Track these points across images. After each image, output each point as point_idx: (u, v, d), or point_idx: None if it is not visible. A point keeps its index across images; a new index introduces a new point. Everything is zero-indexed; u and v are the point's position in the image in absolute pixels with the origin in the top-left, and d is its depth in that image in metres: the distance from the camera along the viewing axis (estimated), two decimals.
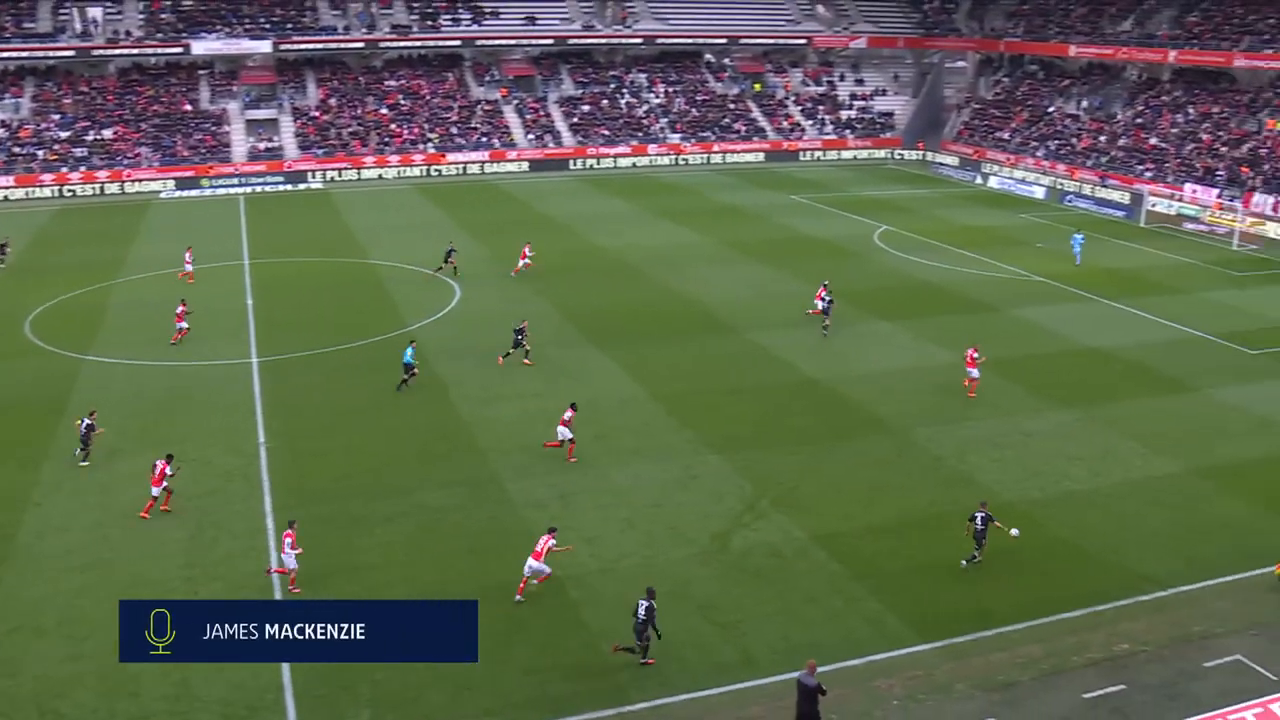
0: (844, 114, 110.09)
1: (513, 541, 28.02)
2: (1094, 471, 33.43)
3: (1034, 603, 26.11)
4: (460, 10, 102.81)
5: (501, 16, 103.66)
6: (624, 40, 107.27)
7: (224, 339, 44.85)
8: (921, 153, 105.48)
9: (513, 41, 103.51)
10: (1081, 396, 39.55)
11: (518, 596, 25.98)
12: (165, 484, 29.64)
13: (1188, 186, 79.48)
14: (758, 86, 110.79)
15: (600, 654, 24.03)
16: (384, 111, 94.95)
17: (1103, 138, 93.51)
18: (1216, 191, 76.97)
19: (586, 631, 24.94)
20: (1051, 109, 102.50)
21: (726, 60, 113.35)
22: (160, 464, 29.83)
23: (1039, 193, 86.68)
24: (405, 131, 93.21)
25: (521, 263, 55.84)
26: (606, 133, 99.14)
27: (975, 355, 39.62)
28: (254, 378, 40.29)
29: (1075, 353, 44.66)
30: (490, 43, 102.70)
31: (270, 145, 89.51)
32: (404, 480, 31.95)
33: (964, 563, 27.72)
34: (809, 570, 27.49)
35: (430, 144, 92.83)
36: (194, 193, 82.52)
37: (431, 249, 60.13)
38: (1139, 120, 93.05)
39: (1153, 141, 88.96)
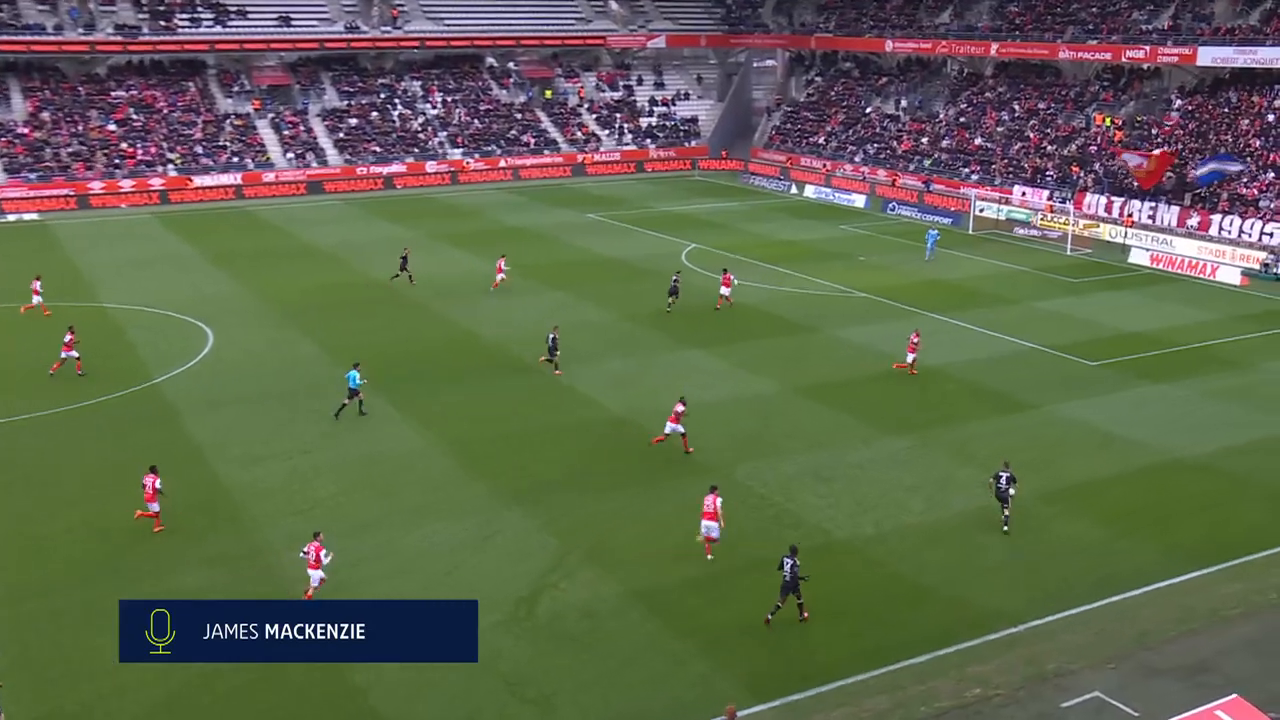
0: (644, 122, 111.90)
1: None
2: (932, 502, 34.38)
3: (876, 650, 26.61)
4: (200, 9, 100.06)
5: (250, 16, 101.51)
6: (394, 44, 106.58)
7: None
8: (730, 161, 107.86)
9: (264, 46, 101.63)
10: (914, 421, 40.80)
11: (708, 556, 30.31)
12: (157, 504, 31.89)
13: (1016, 189, 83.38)
14: (547, 93, 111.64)
15: None
16: (112, 128, 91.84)
17: (924, 139, 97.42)
18: (1047, 193, 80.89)
19: (376, 718, 24.34)
20: (869, 110, 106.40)
21: (511, 65, 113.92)
22: (150, 479, 31.83)
23: (859, 201, 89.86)
24: (140, 151, 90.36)
25: (499, 276, 58.84)
26: (378, 149, 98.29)
27: (916, 340, 45.33)
28: None
29: (902, 373, 46.07)
30: (237, 48, 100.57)
31: None
32: (153, 562, 30.59)
33: (1005, 527, 32.02)
34: (627, 631, 27.45)
35: (171, 165, 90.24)
36: None
37: (179, 286, 58.37)
38: (962, 119, 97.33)
39: (977, 141, 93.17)
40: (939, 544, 31.65)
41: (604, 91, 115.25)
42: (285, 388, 44.09)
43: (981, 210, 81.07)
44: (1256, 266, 66.77)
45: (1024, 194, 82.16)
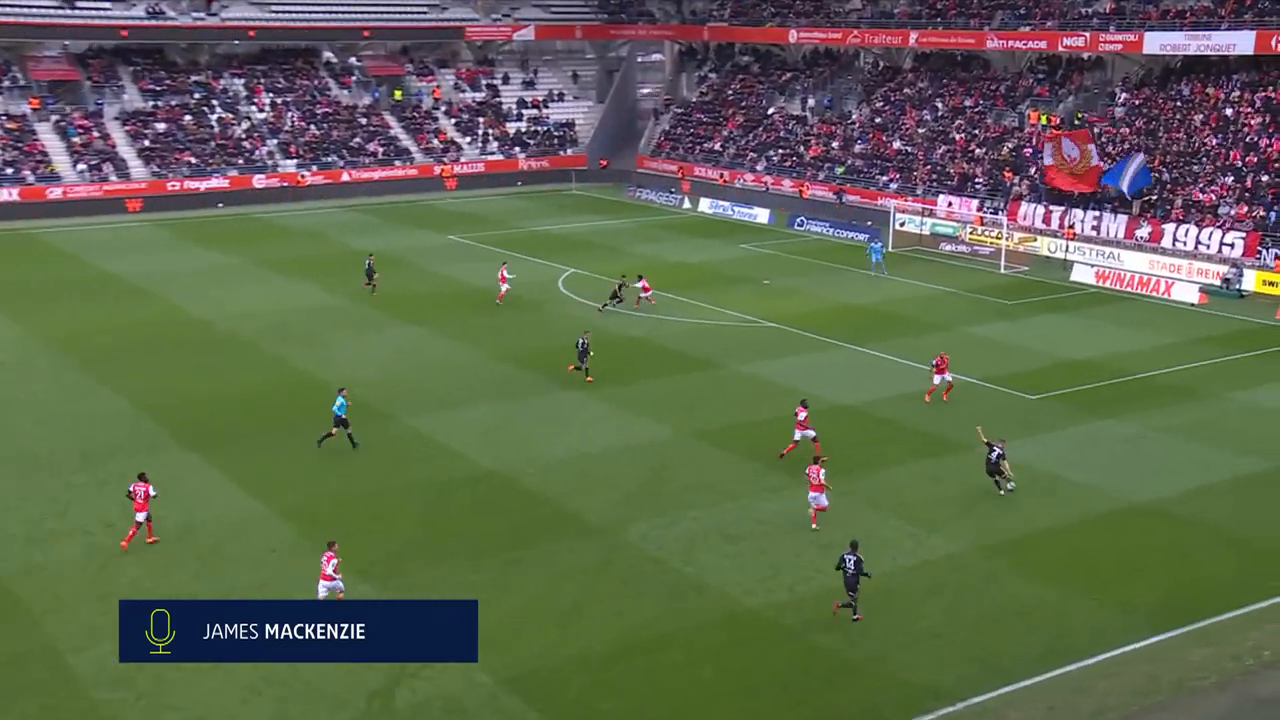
0: (511, 127, 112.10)
1: None
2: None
3: None
4: None
5: None
6: (210, 33, 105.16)
7: None
8: (613, 172, 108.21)
9: (43, 25, 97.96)
10: (831, 467, 40.83)
11: (814, 525, 35.72)
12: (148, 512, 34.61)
13: (941, 199, 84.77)
14: (396, 94, 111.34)
15: None
16: None
17: (835, 144, 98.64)
18: (976, 203, 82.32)
19: None
20: (772, 110, 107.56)
21: (353, 60, 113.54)
22: (140, 487, 34.57)
23: (762, 216, 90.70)
24: None
25: (503, 287, 62.29)
26: (193, 160, 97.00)
27: (941, 363, 47.37)
28: None
29: (818, 413, 46.40)
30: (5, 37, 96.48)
31: None
32: None
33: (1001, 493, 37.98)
34: None
35: None
36: None
37: None
38: (878, 120, 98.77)
39: (896, 145, 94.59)
40: (864, 609, 31.64)
41: (464, 92, 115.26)
42: (82, 447, 43.08)
43: (902, 224, 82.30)
44: (1216, 282, 68.42)
45: (950, 205, 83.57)
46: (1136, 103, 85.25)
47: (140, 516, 34.94)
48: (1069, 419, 46.28)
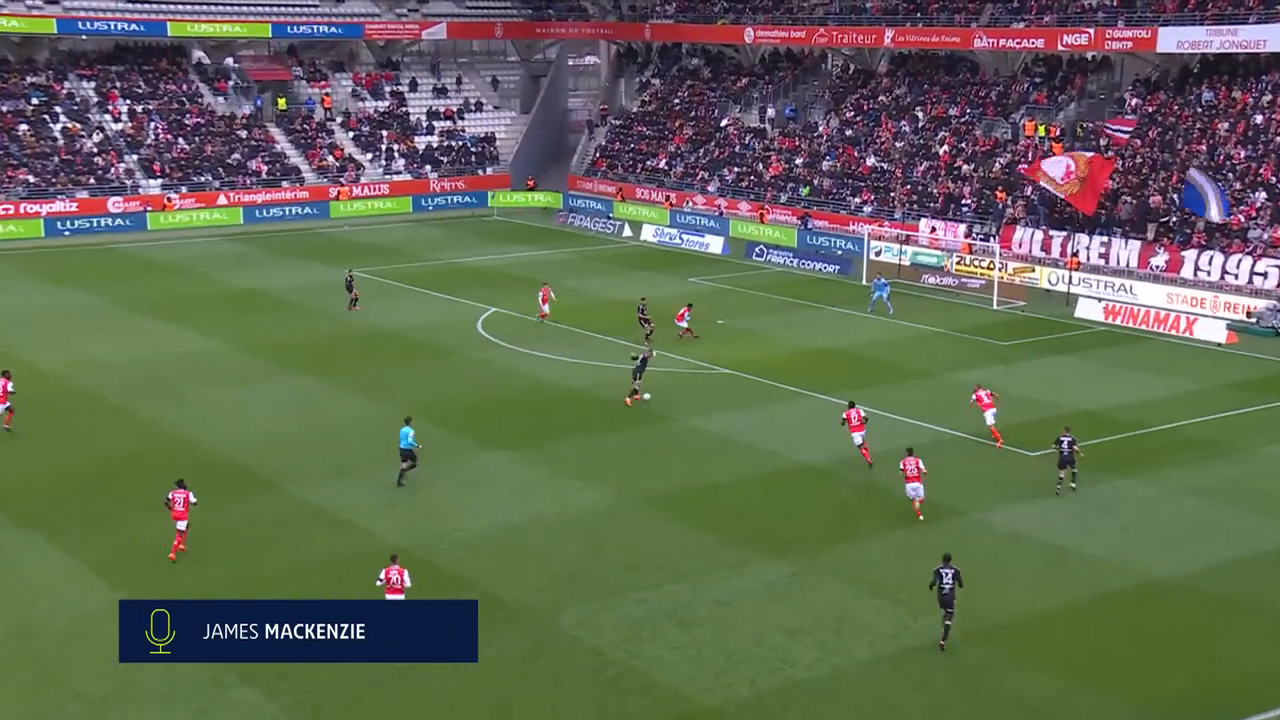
0: (421, 142, 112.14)
1: None
2: (825, 648, 34.17)
3: None
4: None
5: None
6: (46, 25, 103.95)
7: None
8: (541, 194, 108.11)
9: None
10: (799, 539, 40.86)
11: (920, 516, 41.83)
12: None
13: (924, 223, 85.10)
14: (281, 102, 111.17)
15: None
16: None
17: (800, 160, 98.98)
18: (964, 228, 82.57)
19: None
20: (725, 122, 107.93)
21: (230, 61, 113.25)
22: (179, 494, 38.93)
23: (714, 245, 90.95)
24: None
25: (544, 308, 67.28)
26: (31, 179, 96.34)
27: (985, 396, 49.45)
28: None
29: (782, 474, 46.61)
30: None
31: None
32: None
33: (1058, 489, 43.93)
34: None
35: None
36: None
37: None
38: (849, 133, 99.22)
39: (870, 162, 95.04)
40: (838, 704, 31.49)
41: (364, 100, 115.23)
42: None
43: (878, 253, 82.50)
44: (1246, 318, 68.65)
45: (934, 230, 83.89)
46: (1150, 109, 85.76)
47: (181, 525, 38.84)
48: (1076, 480, 45.71)
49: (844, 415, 46.54)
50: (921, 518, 41.22)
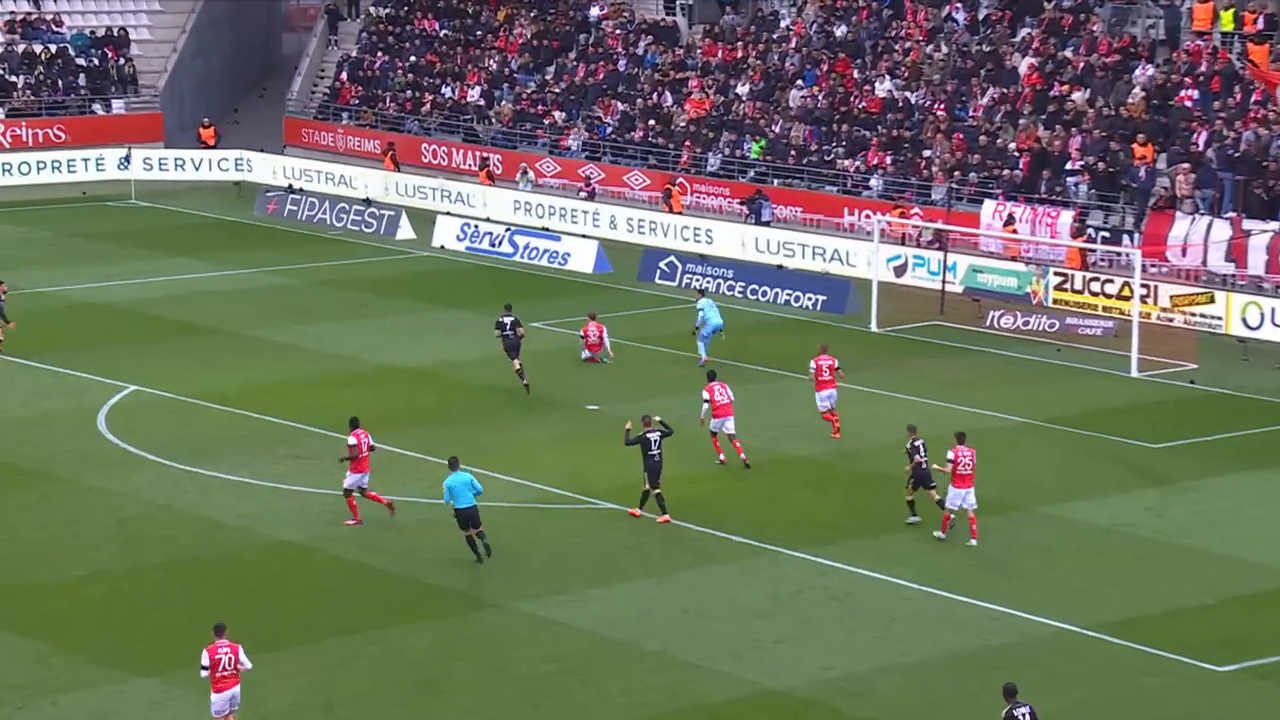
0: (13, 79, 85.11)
1: None
2: None
3: None
4: None
5: None
6: None
7: None
8: (226, 149, 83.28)
9: None
10: None
11: (974, 539, 37.12)
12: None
13: (987, 208, 63.23)
14: None
15: None
16: None
17: (743, 88, 75.42)
18: (1071, 216, 60.25)
19: None
20: (596, 10, 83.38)
21: None
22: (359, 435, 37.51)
23: (581, 258, 66.78)
24: None
25: (607, 343, 53.49)
26: None
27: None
28: None
29: (724, 706, 31.34)
30: None
31: None
32: None
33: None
34: None
35: None
36: None
37: None
38: (841, 32, 76.10)
39: (883, 89, 71.63)
40: None
41: None
42: None
43: (900, 267, 62.15)
44: None
45: (1010, 219, 61.17)
46: None
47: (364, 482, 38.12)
48: None
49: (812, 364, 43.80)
50: (975, 540, 36.34)
